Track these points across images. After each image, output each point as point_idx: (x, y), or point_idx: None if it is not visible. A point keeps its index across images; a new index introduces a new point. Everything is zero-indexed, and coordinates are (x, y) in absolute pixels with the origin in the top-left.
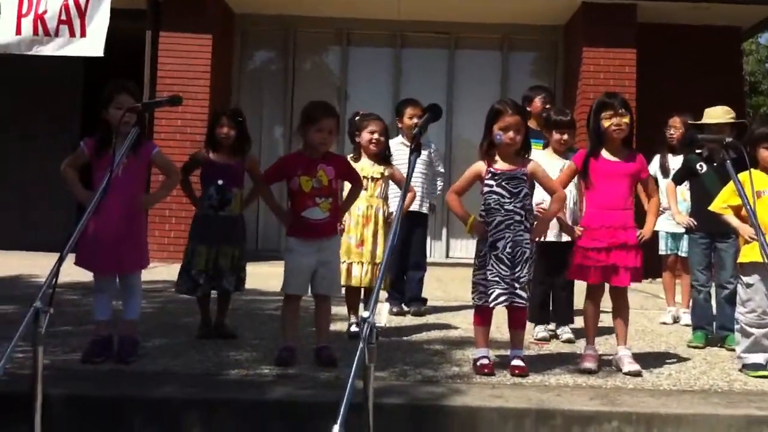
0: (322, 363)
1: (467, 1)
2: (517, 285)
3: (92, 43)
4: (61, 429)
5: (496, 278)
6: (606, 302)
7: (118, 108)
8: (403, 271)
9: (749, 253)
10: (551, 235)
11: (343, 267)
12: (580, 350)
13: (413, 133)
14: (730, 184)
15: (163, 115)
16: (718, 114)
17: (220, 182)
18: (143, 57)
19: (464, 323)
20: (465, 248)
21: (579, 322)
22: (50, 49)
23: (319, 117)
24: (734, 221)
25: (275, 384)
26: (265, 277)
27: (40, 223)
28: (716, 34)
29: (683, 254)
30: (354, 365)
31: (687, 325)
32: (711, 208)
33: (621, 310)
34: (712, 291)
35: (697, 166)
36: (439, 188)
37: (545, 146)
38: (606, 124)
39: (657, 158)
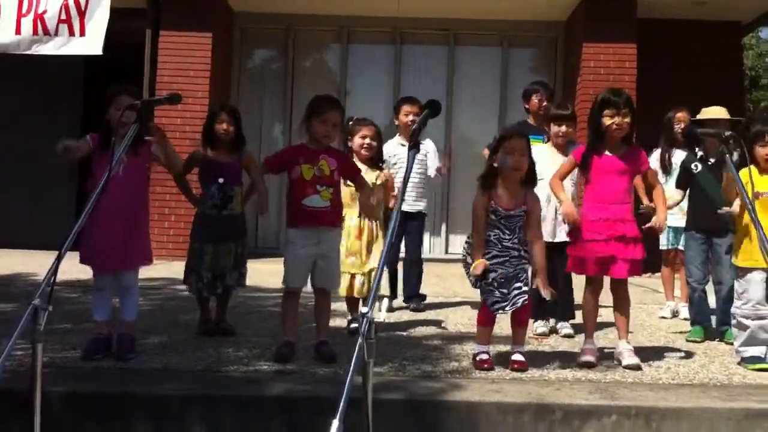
0: (321, 358)
1: None
2: (515, 292)
3: (92, 42)
4: (61, 426)
5: (495, 296)
6: (607, 297)
7: (118, 109)
8: (396, 269)
9: (745, 258)
10: (546, 236)
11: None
12: (580, 345)
13: (412, 129)
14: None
15: (163, 114)
16: (715, 111)
17: (221, 180)
18: (143, 55)
19: (463, 319)
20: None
21: (579, 317)
22: (50, 48)
23: (324, 109)
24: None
25: (275, 380)
26: (264, 274)
27: (42, 222)
28: (716, 29)
29: (683, 249)
30: (353, 361)
31: (686, 319)
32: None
33: (621, 303)
34: (708, 288)
35: (692, 166)
36: (432, 173)
37: (546, 141)
38: (607, 122)
39: (656, 153)
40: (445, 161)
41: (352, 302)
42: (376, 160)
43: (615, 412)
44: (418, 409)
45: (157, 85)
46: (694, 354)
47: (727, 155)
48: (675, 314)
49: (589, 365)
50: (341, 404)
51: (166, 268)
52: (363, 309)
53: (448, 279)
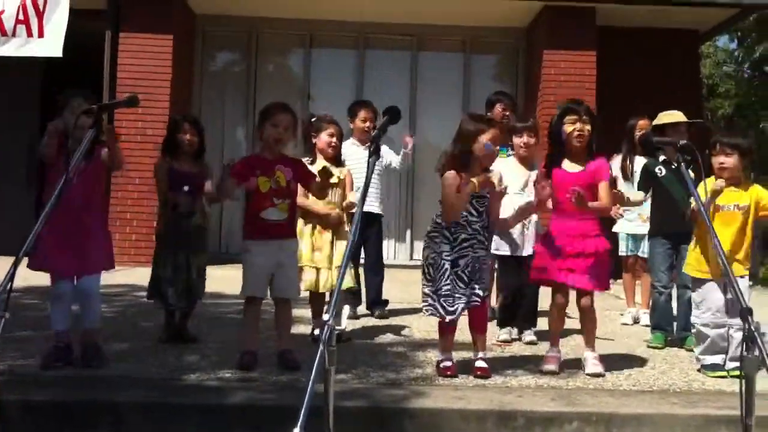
0: (285, 366)
1: (430, 3)
2: (473, 289)
3: (50, 44)
4: None
5: (456, 294)
6: (574, 307)
7: (74, 113)
8: (359, 273)
9: (694, 268)
10: (507, 250)
11: (308, 273)
12: (543, 352)
13: (373, 135)
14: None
15: (123, 117)
16: (673, 116)
17: (186, 188)
18: (103, 57)
19: (427, 325)
20: None
21: (543, 324)
22: (8, 49)
23: (275, 112)
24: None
25: (236, 388)
26: (227, 280)
27: None
28: (675, 37)
29: (643, 255)
30: (314, 368)
31: (647, 326)
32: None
33: (586, 312)
34: (673, 292)
35: (656, 170)
36: (395, 165)
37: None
38: (568, 129)
39: (617, 159)
40: (407, 141)
41: (317, 299)
42: (338, 158)
43: (576, 418)
44: (381, 416)
45: (117, 87)
46: (655, 361)
47: (683, 164)
48: (636, 321)
49: (551, 372)
50: (302, 412)
51: (128, 275)
52: (324, 317)
53: (412, 285)
